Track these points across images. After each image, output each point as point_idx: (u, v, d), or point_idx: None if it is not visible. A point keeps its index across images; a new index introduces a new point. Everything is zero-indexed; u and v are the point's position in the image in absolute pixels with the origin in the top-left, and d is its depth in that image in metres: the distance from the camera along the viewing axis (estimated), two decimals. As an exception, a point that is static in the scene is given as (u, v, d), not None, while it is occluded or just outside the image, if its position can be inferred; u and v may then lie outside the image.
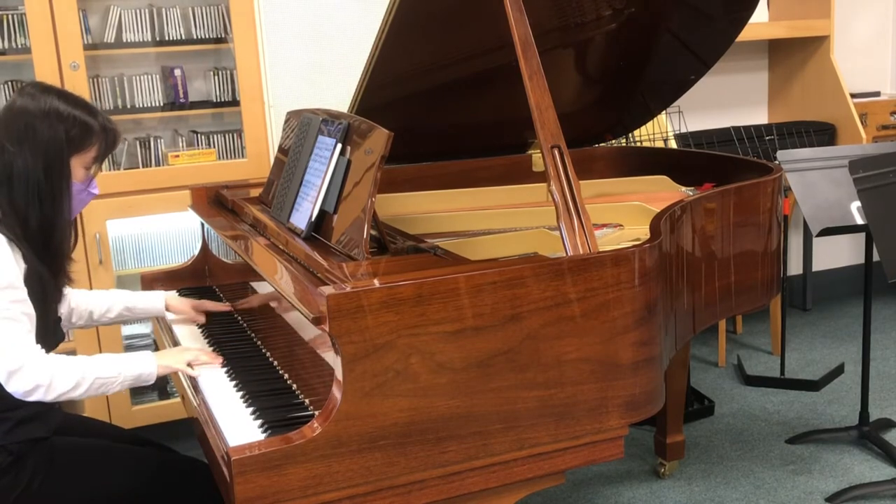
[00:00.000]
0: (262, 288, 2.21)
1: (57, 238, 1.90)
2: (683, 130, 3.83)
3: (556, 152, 1.92)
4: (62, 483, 1.87)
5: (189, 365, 2.01)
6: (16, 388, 1.78)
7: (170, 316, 2.44)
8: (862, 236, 3.06)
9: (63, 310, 2.14)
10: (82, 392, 1.84)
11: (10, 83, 3.16)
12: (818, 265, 4.77)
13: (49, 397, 1.80)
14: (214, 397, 1.90)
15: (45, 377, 1.78)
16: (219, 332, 2.32)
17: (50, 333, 1.93)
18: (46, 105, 1.87)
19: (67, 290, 2.17)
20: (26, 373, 1.77)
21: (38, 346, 1.83)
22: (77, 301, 2.25)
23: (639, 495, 2.93)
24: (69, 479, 1.88)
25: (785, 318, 3.83)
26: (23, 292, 1.80)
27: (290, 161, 2.31)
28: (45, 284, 1.87)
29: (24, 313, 1.80)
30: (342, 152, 2.04)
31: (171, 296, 2.44)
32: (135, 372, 1.92)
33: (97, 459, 1.94)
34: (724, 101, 4.40)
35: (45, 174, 1.85)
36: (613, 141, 3.32)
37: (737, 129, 4.03)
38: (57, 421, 1.95)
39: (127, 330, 3.37)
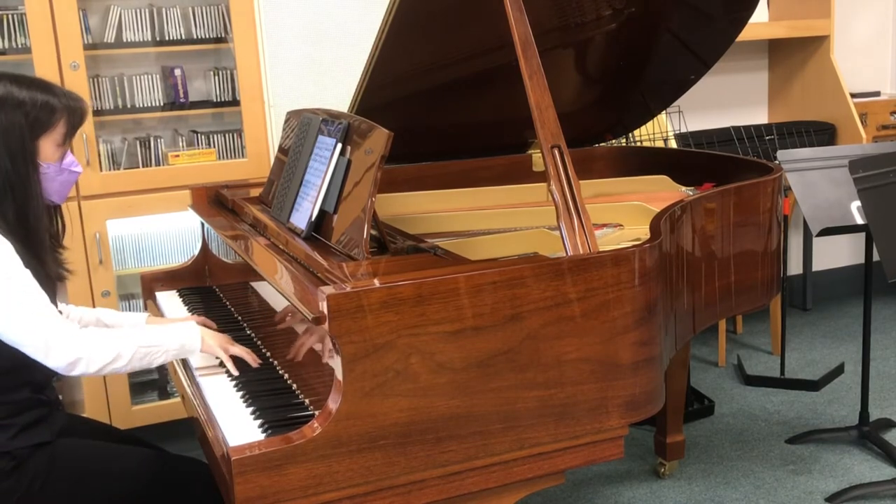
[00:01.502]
0: (263, 288, 2.21)
1: (33, 224, 1.88)
2: (683, 130, 3.83)
3: (556, 152, 1.92)
4: (63, 485, 1.86)
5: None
6: (57, 363, 1.77)
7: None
8: (862, 236, 3.06)
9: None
10: (125, 363, 1.83)
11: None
12: (818, 265, 4.77)
13: (92, 370, 1.80)
14: (214, 397, 1.90)
15: (83, 350, 1.78)
16: (218, 332, 2.32)
17: None
18: (0, 92, 1.84)
19: None
20: (61, 345, 1.76)
21: (68, 320, 1.82)
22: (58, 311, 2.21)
23: (639, 495, 2.93)
24: (70, 481, 1.87)
25: (785, 318, 3.83)
26: (29, 275, 1.80)
27: (290, 161, 2.31)
28: (37, 274, 1.86)
29: (40, 293, 1.80)
30: (342, 152, 2.04)
31: (154, 319, 2.34)
32: (178, 342, 1.92)
33: (97, 461, 1.94)
34: (724, 101, 4.40)
35: (11, 162, 1.83)
36: (613, 141, 3.32)
37: (737, 128, 4.03)
38: (60, 424, 1.95)
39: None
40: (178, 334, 1.93)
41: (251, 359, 2.02)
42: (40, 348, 1.77)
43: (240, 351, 2.02)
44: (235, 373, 1.99)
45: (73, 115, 1.92)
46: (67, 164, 1.95)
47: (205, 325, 2.31)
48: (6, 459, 1.81)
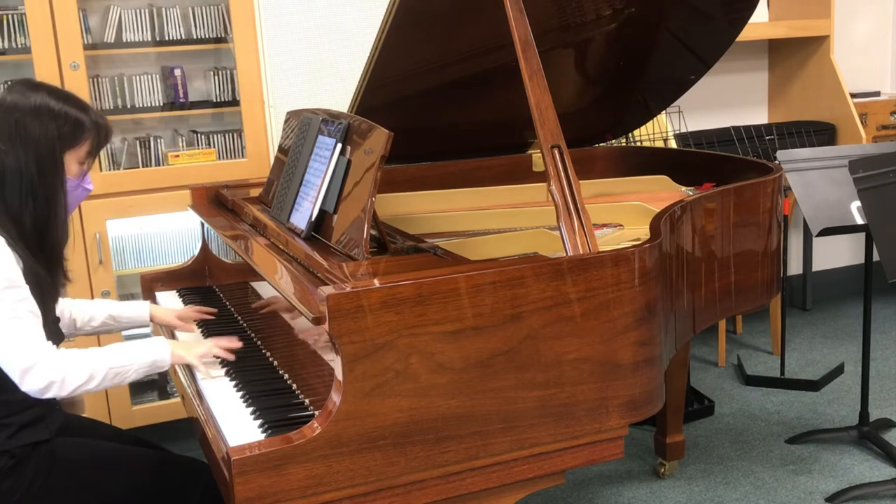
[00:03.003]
0: (263, 288, 2.21)
1: (52, 236, 1.89)
2: (683, 130, 3.83)
3: (556, 152, 1.92)
4: (63, 485, 1.87)
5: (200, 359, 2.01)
6: (30, 387, 1.78)
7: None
8: (862, 236, 3.06)
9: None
10: (97, 384, 1.84)
11: (9, 83, 3.15)
12: (818, 265, 4.77)
13: (63, 393, 1.81)
14: (214, 397, 1.91)
15: (57, 374, 1.79)
16: (218, 332, 2.32)
17: (50, 333, 1.92)
18: (37, 102, 1.86)
19: None
20: (39, 371, 1.77)
21: (49, 342, 1.83)
22: (61, 308, 2.20)
23: (639, 495, 2.93)
24: (69, 480, 1.88)
25: (785, 318, 3.83)
26: (26, 290, 1.80)
27: (290, 161, 2.31)
28: (42, 284, 1.87)
29: (30, 311, 1.80)
30: (342, 152, 2.04)
31: (156, 306, 2.40)
32: (148, 359, 1.92)
33: (97, 461, 1.94)
34: (724, 101, 4.40)
35: (38, 171, 1.85)
36: (613, 141, 3.32)
37: (737, 129, 4.03)
38: (58, 423, 1.95)
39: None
40: (148, 352, 1.94)
41: (226, 345, 2.02)
42: (16, 373, 1.78)
43: (206, 348, 2.02)
44: (207, 376, 1.99)
45: (99, 135, 1.95)
46: (83, 181, 1.98)
47: (200, 315, 2.33)
48: (5, 458, 1.82)
